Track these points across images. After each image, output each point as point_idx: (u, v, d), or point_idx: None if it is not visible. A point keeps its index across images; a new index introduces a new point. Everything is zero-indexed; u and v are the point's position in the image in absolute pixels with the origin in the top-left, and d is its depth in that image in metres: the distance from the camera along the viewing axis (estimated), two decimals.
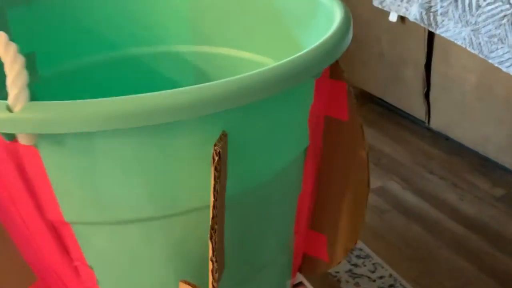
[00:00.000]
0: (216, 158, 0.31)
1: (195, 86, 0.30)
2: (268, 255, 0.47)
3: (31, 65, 0.58)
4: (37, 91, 0.59)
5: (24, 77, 0.28)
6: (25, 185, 0.33)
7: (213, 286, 0.31)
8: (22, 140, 0.29)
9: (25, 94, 0.28)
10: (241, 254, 0.43)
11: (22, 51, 0.58)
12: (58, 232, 0.36)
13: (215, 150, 0.31)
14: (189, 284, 0.36)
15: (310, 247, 0.56)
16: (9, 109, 0.28)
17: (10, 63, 0.28)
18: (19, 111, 0.28)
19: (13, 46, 0.29)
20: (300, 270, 0.59)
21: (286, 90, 0.36)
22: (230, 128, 0.34)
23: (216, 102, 0.30)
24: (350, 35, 0.40)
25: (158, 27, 0.66)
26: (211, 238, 0.32)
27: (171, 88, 0.72)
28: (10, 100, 0.28)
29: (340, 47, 0.38)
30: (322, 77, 0.40)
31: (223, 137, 0.32)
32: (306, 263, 0.58)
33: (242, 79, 0.32)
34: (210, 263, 0.32)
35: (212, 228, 0.32)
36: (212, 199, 0.32)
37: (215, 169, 0.31)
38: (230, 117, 0.33)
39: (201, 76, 0.68)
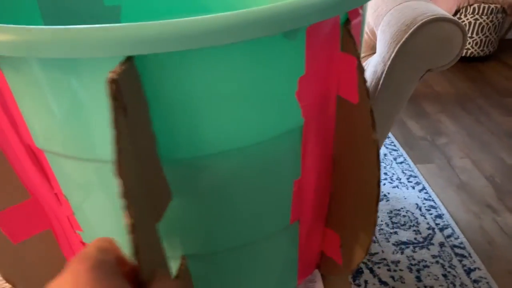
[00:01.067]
0: (113, 86, 0.28)
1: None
2: (254, 233, 0.43)
3: (115, 17, 0.63)
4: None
5: None
6: (3, 107, 0.36)
7: (129, 224, 0.30)
8: None
9: None
10: (226, 221, 0.40)
11: (108, 3, 0.63)
12: (37, 158, 0.39)
13: (111, 78, 0.27)
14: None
15: (326, 246, 0.50)
16: None
17: None
18: None
19: None
20: (319, 268, 0.54)
21: (264, 47, 0.32)
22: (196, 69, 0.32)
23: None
24: None
25: None
26: (119, 175, 0.29)
27: None
28: None
29: None
30: (320, 46, 0.35)
31: (126, 62, 0.29)
32: (324, 263, 0.52)
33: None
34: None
35: (119, 163, 0.29)
36: (114, 132, 0.28)
37: (114, 98, 0.28)
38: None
39: None
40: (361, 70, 0.36)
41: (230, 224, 0.42)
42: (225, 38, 0.29)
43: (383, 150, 1.71)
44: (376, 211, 0.40)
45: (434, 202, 1.47)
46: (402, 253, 1.30)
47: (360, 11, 0.38)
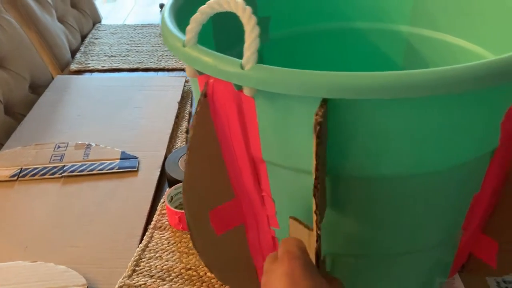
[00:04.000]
0: (318, 127, 0.35)
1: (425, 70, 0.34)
2: (423, 241, 0.49)
3: (264, 28, 0.69)
4: (265, 50, 0.70)
5: (257, 43, 0.37)
6: (241, 124, 0.43)
7: (317, 233, 0.38)
8: (246, 91, 0.38)
9: (255, 57, 0.37)
10: (391, 231, 0.46)
11: (260, 14, 0.69)
12: (256, 166, 0.46)
13: (316, 120, 0.35)
14: (297, 220, 0.43)
15: (479, 249, 0.55)
16: (241, 67, 0.37)
17: (250, 31, 0.37)
18: (248, 70, 0.36)
19: (253, 18, 0.37)
20: (463, 268, 0.59)
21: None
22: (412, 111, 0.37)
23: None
24: None
25: (385, 4, 0.69)
26: (314, 196, 0.38)
27: (383, 64, 0.75)
28: (244, 60, 0.37)
29: None
30: None
31: (323, 105, 0.36)
32: (472, 263, 0.57)
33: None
34: (314, 215, 0.38)
35: (315, 186, 0.38)
36: (314, 162, 0.37)
37: (317, 136, 0.36)
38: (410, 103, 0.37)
39: (412, 58, 0.70)
40: None
41: (401, 233, 0.47)
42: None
43: None
44: None
45: None
46: None
47: None
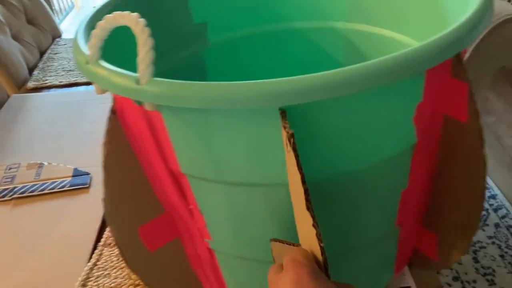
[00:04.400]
0: (292, 139, 0.33)
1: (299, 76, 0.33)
2: (360, 240, 0.48)
3: (201, 34, 0.68)
4: (206, 56, 0.69)
5: (150, 56, 0.36)
6: (154, 139, 0.41)
7: (320, 246, 0.36)
8: (147, 106, 0.37)
9: (150, 70, 0.36)
10: (329, 234, 0.45)
11: (197, 20, 0.68)
12: (178, 180, 0.45)
13: (288, 133, 0.33)
14: (279, 240, 0.41)
15: (421, 244, 0.54)
16: (137, 82, 0.36)
17: (142, 44, 0.36)
18: (144, 84, 0.35)
19: (146, 31, 0.36)
20: (410, 264, 0.58)
21: (388, 86, 0.36)
22: (319, 114, 0.36)
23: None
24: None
25: (321, 3, 0.69)
26: (308, 209, 0.36)
27: (324, 62, 0.75)
28: (139, 74, 0.36)
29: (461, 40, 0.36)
30: (436, 76, 0.39)
31: (285, 116, 0.34)
32: (417, 259, 0.57)
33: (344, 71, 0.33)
34: (313, 229, 0.36)
35: (307, 200, 0.36)
36: (299, 176, 0.34)
37: (293, 149, 0.34)
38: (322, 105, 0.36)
39: (352, 53, 0.69)
40: (471, 94, 0.40)
41: (342, 230, 0.46)
42: (365, 85, 0.33)
43: None
44: (479, 219, 0.44)
45: (486, 183, 1.49)
46: None
47: None
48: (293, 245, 0.40)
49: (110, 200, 0.45)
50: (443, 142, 0.45)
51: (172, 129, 0.40)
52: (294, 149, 0.34)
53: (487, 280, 1.23)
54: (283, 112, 0.34)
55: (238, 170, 0.40)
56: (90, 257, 0.69)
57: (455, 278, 1.23)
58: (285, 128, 0.34)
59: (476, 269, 1.25)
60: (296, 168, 0.35)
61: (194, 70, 0.68)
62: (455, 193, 0.46)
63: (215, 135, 0.38)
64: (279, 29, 0.71)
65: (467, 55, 0.65)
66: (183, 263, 0.53)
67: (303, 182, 0.35)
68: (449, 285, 1.22)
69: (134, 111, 0.40)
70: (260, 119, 0.36)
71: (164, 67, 0.64)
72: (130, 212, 0.47)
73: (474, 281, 1.22)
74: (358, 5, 0.66)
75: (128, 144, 0.43)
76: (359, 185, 0.43)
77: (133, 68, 0.37)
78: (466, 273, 1.24)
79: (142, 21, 0.37)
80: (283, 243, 0.41)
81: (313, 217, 0.36)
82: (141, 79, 0.36)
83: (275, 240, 0.42)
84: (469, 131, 0.41)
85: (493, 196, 1.46)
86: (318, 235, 0.36)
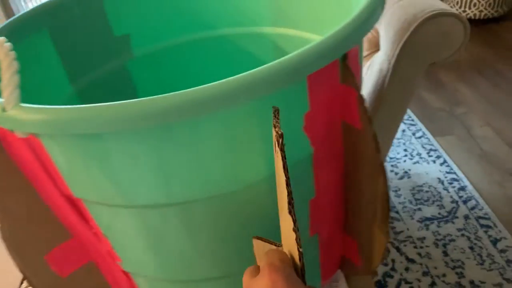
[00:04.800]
0: (280, 140, 0.32)
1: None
2: None
3: (125, 46, 0.67)
4: (132, 68, 0.68)
5: (15, 81, 0.34)
6: (41, 165, 0.40)
7: (299, 251, 0.35)
8: (18, 133, 0.36)
9: (16, 96, 0.34)
10: (237, 245, 0.44)
11: (118, 33, 0.66)
12: (75, 204, 0.44)
13: (277, 132, 0.32)
14: (261, 238, 0.40)
15: (346, 250, 0.53)
16: (3, 109, 0.34)
17: (5, 69, 0.34)
18: (11, 111, 0.34)
19: (11, 54, 0.35)
20: (342, 269, 0.57)
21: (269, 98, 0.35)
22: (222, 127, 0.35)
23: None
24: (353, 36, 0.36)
25: (246, 9, 0.67)
26: (290, 212, 0.35)
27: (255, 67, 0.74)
28: (4, 101, 0.34)
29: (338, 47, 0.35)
30: (320, 83, 0.38)
31: (277, 114, 0.33)
32: (345, 265, 0.56)
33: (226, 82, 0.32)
34: (293, 233, 0.35)
35: (290, 203, 0.35)
36: (284, 178, 0.34)
37: (281, 149, 0.33)
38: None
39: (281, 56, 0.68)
40: (361, 100, 0.39)
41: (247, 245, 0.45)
42: (236, 100, 0.32)
43: (401, 126, 1.71)
44: (387, 223, 0.43)
45: (456, 175, 1.49)
46: (427, 229, 1.33)
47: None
48: (275, 244, 0.39)
49: (8, 229, 0.44)
50: (346, 148, 0.44)
51: (54, 155, 0.38)
52: (282, 150, 0.33)
53: (457, 273, 1.22)
54: (276, 110, 0.33)
55: (137, 193, 0.39)
56: None
57: (425, 273, 1.22)
58: (275, 127, 0.33)
59: (446, 262, 1.25)
60: (282, 170, 0.34)
61: (122, 83, 0.67)
62: (363, 198, 0.45)
63: (96, 159, 0.37)
64: (207, 36, 0.70)
65: (396, 52, 0.64)
66: (103, 284, 0.51)
67: (288, 184, 0.34)
68: (419, 280, 1.21)
69: (14, 137, 0.39)
70: (140, 138, 0.35)
71: (91, 80, 0.63)
72: (33, 240, 0.46)
73: (444, 275, 1.21)
74: (281, 10, 0.65)
75: (18, 172, 0.42)
76: (262, 195, 0.42)
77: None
78: (435, 268, 1.24)
79: (7, 45, 0.35)
80: (265, 241, 0.40)
81: (294, 221, 0.35)
82: (6, 106, 0.34)
83: (258, 238, 0.41)
84: (363, 137, 0.40)
85: (463, 188, 1.45)
86: (298, 240, 0.35)
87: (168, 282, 0.47)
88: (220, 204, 0.41)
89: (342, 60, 0.38)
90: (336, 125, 0.42)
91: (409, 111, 1.79)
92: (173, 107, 0.31)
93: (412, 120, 1.75)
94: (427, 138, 1.64)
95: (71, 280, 0.49)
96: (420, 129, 1.69)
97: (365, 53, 0.74)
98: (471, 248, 1.27)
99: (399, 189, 1.47)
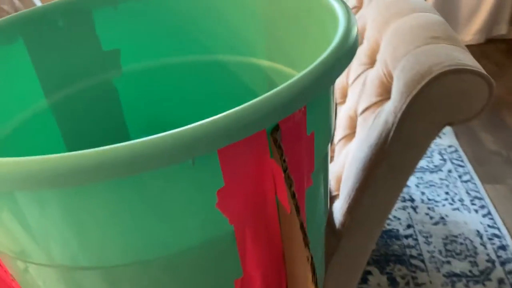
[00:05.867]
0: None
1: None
2: None
3: (115, 61, 0.64)
4: (119, 84, 0.65)
5: None
6: None
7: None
8: None
9: None
10: None
11: (107, 47, 0.64)
12: None
13: (274, 139, 0.29)
14: None
15: None
16: None
17: None
18: None
19: None
20: None
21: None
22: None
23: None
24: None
25: (243, 37, 0.62)
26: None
27: (249, 96, 0.69)
28: None
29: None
30: (237, 158, 0.32)
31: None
32: None
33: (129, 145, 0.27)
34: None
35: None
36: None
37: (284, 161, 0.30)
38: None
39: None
40: (289, 183, 0.32)
41: None
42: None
43: (448, 166, 1.57)
44: None
45: (499, 231, 1.33)
46: (453, 286, 1.20)
47: (301, 109, 0.34)
48: None
49: None
50: (282, 228, 0.37)
51: None
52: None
53: None
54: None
55: (55, 252, 0.35)
56: None
57: None
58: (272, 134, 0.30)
59: None
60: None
61: (107, 98, 0.64)
62: (296, 282, 0.39)
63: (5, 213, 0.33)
64: (202, 60, 0.65)
65: (403, 105, 0.56)
66: None
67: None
68: None
69: None
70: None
71: (71, 93, 0.61)
72: None
73: None
74: (275, 45, 0.59)
75: None
76: (175, 271, 0.37)
77: None
78: None
79: None
80: None
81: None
82: None
83: None
84: (293, 223, 0.34)
85: (504, 247, 1.30)
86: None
87: None
88: (141, 270, 0.36)
89: (271, 135, 0.32)
90: (269, 201, 0.36)
91: (460, 151, 1.64)
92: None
93: (462, 161, 1.60)
94: (474, 183, 1.49)
95: None
96: (468, 172, 1.54)
97: (376, 98, 0.66)
98: None
99: (431, 236, 1.34)
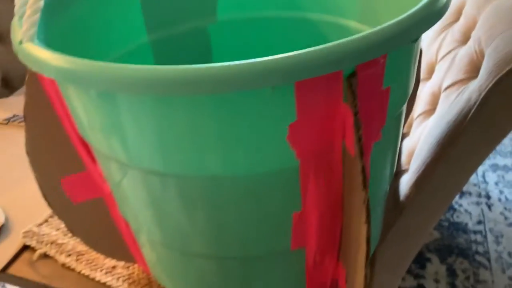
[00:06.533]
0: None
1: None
2: (257, 249, 0.46)
3: (211, 9, 0.68)
4: (213, 32, 0.69)
5: (35, 19, 0.37)
6: (59, 101, 0.44)
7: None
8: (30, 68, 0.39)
9: (31, 32, 0.37)
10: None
11: None
12: (86, 145, 0.47)
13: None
14: None
15: (338, 277, 0.49)
16: (21, 41, 0.38)
17: (31, 4, 0.37)
18: (24, 44, 0.37)
19: None
20: None
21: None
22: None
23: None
24: None
25: None
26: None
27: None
28: (21, 33, 0.38)
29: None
30: (312, 96, 0.34)
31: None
32: None
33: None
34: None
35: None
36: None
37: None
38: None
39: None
40: (358, 126, 0.34)
41: (231, 233, 0.44)
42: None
43: None
44: (364, 267, 0.39)
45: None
46: None
47: (380, 60, 0.35)
48: None
49: (31, 147, 0.49)
50: (345, 173, 0.40)
51: (65, 97, 0.41)
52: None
53: None
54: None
55: (138, 155, 0.40)
56: None
57: None
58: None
59: None
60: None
61: (200, 44, 0.69)
62: (350, 229, 0.41)
63: (100, 113, 0.38)
64: (290, 16, 0.67)
65: (489, 84, 0.55)
66: (108, 220, 0.55)
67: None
68: None
69: None
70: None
71: (168, 34, 0.66)
72: (52, 162, 0.51)
73: None
74: (369, 6, 0.60)
75: (46, 97, 0.46)
76: (240, 193, 0.40)
77: None
78: None
79: None
80: None
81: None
82: (23, 39, 0.38)
83: None
84: (354, 167, 0.36)
85: None
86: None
87: (163, 246, 0.49)
88: (216, 187, 0.40)
89: (348, 79, 0.34)
90: (335, 145, 0.38)
91: None
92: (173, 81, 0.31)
93: None
94: None
95: (80, 208, 0.54)
96: None
97: (463, 76, 0.64)
98: None
99: (502, 236, 1.28)
